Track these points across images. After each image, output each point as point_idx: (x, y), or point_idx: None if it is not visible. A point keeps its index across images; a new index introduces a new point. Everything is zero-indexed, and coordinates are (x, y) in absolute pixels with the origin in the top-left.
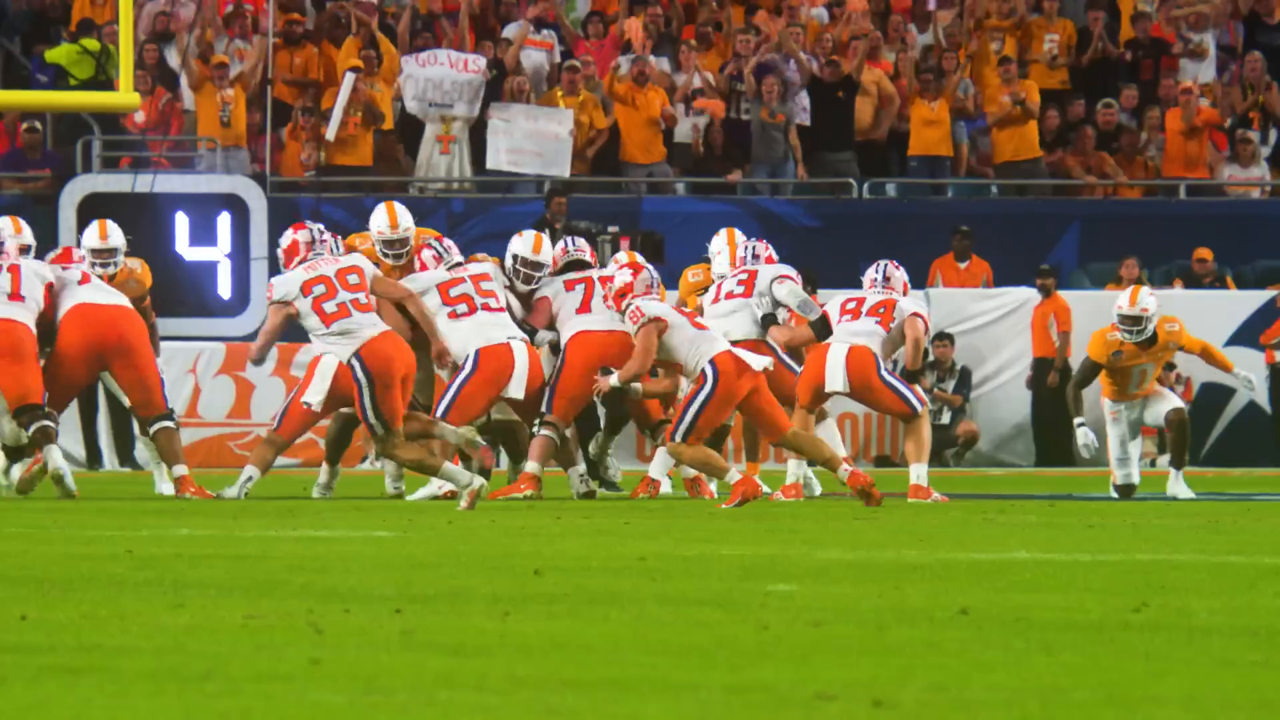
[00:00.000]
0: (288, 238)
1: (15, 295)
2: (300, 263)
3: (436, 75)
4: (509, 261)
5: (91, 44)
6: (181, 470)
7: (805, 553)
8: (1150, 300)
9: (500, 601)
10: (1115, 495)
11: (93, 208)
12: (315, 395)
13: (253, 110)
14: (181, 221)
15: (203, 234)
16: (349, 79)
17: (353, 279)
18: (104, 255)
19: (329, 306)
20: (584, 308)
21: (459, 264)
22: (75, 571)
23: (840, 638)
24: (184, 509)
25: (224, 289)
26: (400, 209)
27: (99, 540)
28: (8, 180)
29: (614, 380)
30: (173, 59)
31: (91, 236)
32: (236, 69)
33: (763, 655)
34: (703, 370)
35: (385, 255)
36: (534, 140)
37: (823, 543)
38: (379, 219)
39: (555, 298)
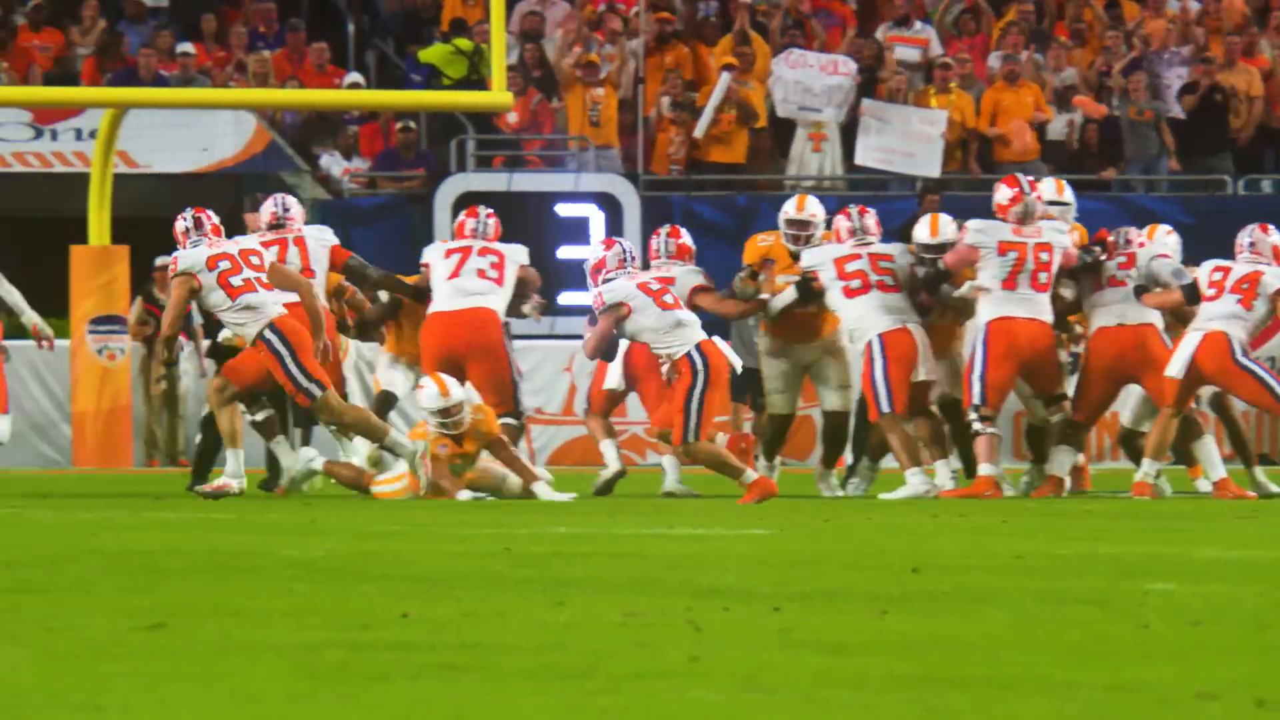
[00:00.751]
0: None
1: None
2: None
3: (805, 78)
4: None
5: (464, 44)
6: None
7: (1183, 551)
8: None
9: (878, 599)
10: None
11: (467, 206)
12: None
13: (624, 110)
14: (555, 220)
15: (575, 233)
16: (724, 78)
17: (255, 260)
18: None
19: (235, 281)
20: (1010, 283)
21: (864, 241)
22: (454, 569)
23: (1221, 637)
24: (560, 508)
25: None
26: (811, 197)
27: (477, 538)
28: (382, 180)
29: (584, 352)
30: (552, 58)
31: None
32: (607, 69)
33: (1143, 654)
34: (688, 357)
35: (788, 238)
36: (905, 140)
37: (1201, 541)
38: (788, 204)
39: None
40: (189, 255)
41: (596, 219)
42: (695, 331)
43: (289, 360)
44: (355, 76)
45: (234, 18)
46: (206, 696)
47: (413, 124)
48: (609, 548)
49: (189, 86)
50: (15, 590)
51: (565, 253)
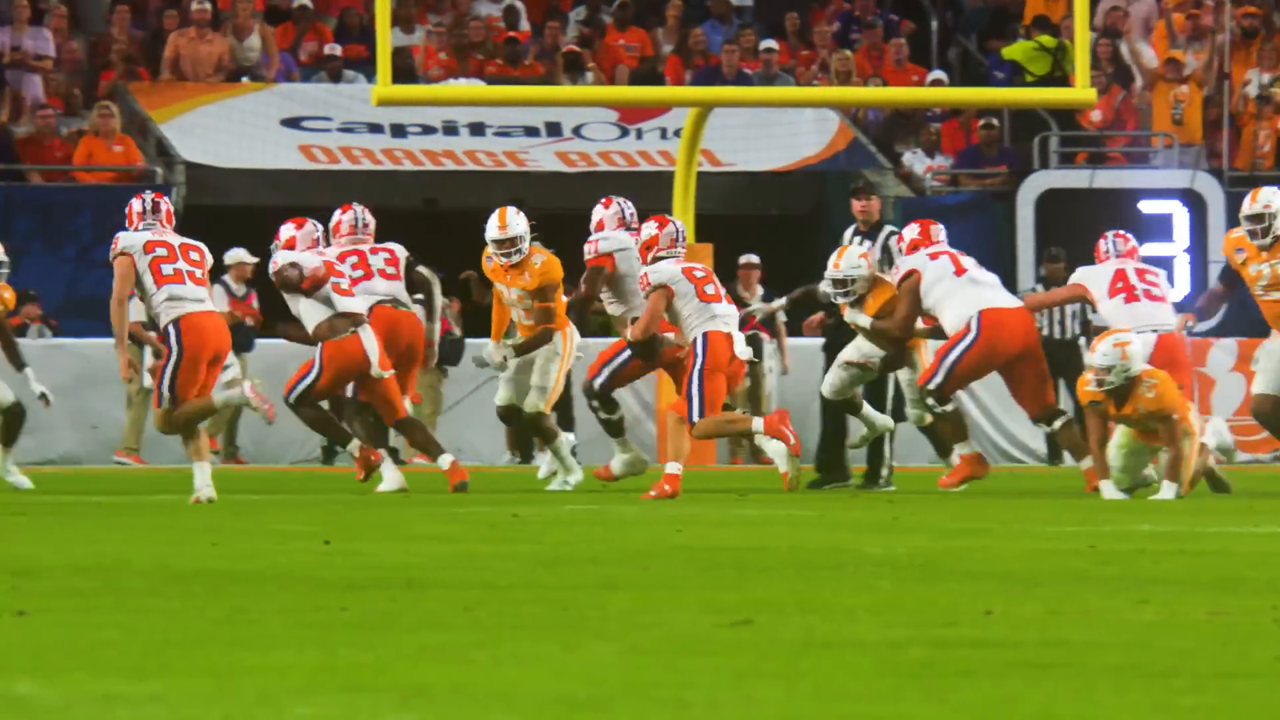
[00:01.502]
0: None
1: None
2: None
3: None
4: None
5: (1048, 40)
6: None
7: None
8: None
9: None
10: None
11: (1049, 204)
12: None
13: (1209, 105)
14: (1138, 218)
15: (1159, 230)
16: None
17: (194, 255)
18: (505, 245)
19: (166, 269)
20: None
21: None
22: (1038, 567)
23: None
24: (1143, 507)
25: (1181, 284)
26: (1265, 189)
27: (1061, 536)
28: (965, 177)
29: (628, 335)
30: (1135, 55)
31: (492, 227)
32: (1192, 66)
33: None
34: (693, 342)
35: (1248, 233)
36: None
37: None
38: (1248, 198)
39: None
40: (129, 237)
41: (1180, 216)
42: (722, 323)
43: (174, 361)
44: (938, 74)
45: (819, 16)
46: (791, 693)
47: (995, 121)
48: (1194, 545)
49: (772, 85)
50: (602, 586)
51: (1148, 250)
